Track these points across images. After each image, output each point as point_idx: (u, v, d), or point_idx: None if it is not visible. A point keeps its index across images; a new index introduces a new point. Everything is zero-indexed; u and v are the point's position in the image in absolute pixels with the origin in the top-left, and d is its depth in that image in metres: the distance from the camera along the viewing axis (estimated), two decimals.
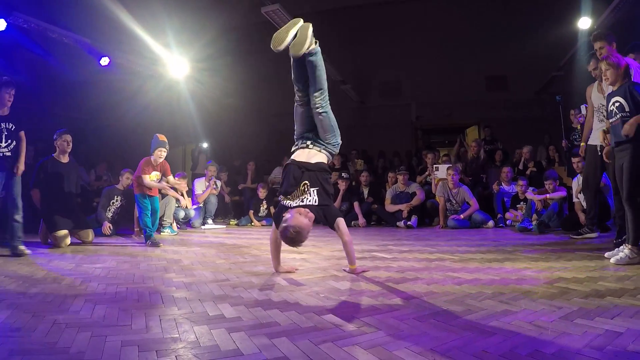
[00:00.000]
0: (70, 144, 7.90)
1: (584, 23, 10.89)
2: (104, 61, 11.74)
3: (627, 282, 3.84)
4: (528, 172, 11.33)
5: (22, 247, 6.34)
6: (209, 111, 15.54)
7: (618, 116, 4.91)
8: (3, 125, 6.35)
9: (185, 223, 10.87)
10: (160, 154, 7.88)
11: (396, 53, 15.23)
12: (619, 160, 5.04)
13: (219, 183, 11.86)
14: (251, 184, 13.01)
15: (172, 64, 12.69)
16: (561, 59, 13.43)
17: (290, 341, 2.53)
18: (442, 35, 13.91)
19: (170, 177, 8.26)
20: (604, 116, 6.31)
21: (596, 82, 6.66)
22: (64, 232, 7.53)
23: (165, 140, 7.98)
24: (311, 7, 10.85)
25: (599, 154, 6.43)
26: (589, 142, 6.76)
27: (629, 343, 2.35)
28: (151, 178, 7.79)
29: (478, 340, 2.46)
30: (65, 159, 7.92)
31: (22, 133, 6.53)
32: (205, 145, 15.72)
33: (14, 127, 6.43)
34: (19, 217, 6.43)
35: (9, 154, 6.38)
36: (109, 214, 9.30)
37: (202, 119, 15.31)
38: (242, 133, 16.91)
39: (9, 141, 6.39)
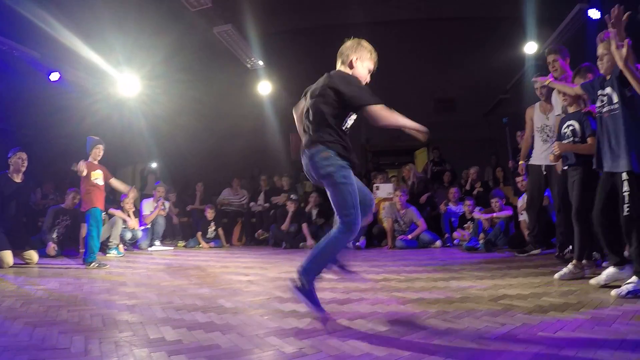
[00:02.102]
0: (26, 162, 7.74)
1: (530, 48, 11.19)
2: (54, 76, 11.52)
3: (570, 297, 3.92)
4: (475, 192, 11.50)
5: None
6: (160, 130, 15.36)
7: (570, 139, 5.12)
8: None
9: (132, 244, 10.66)
10: (99, 152, 7.84)
11: None
12: (570, 178, 5.24)
13: (167, 204, 11.69)
14: (200, 205, 12.87)
15: (123, 82, 12.52)
16: (508, 82, 13.71)
17: None
18: (389, 57, 14.00)
19: (113, 180, 8.11)
20: (548, 136, 6.59)
21: (538, 103, 6.90)
22: (7, 252, 7.31)
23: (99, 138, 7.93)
24: (261, 30, 10.86)
25: (543, 173, 6.72)
26: (532, 162, 7.02)
27: (571, 356, 2.40)
28: (95, 176, 7.64)
29: (419, 359, 2.45)
30: (18, 178, 7.74)
31: None
32: (154, 165, 15.52)
33: None
34: None
35: None
36: (54, 234, 9.06)
37: (152, 138, 15.10)
38: (194, 153, 16.71)
39: None
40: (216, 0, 9.34)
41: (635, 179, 3.98)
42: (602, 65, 4.28)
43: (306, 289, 3.51)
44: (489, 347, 2.63)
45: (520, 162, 7.50)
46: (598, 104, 4.40)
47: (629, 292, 3.85)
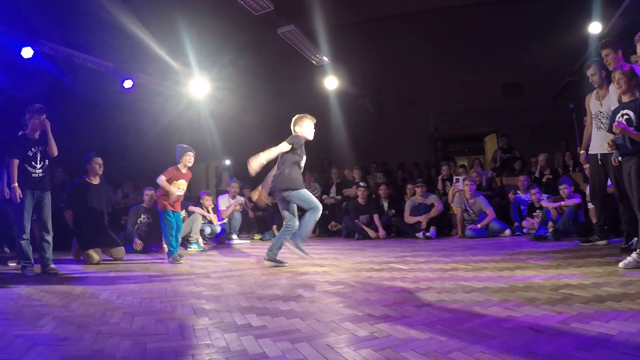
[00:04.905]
0: (102, 167, 8.24)
1: (595, 28, 10.96)
2: (128, 84, 12.14)
3: (630, 287, 3.95)
4: (544, 179, 11.40)
5: (53, 266, 6.74)
6: (229, 128, 15.81)
7: None
8: (36, 148, 6.75)
9: (211, 239, 11.10)
10: (189, 159, 8.08)
11: (411, 63, 15.30)
12: (625, 169, 5.26)
13: (242, 199, 12.10)
14: (274, 200, 13.14)
15: (193, 84, 13.04)
16: (575, 63, 13.46)
17: (310, 345, 2.78)
18: (455, 44, 13.96)
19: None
20: (602, 123, 6.53)
21: (594, 90, 6.86)
22: (96, 249, 7.87)
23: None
24: (325, 24, 11.06)
25: (599, 162, 6.67)
26: (590, 152, 6.92)
27: (618, 345, 2.53)
28: (178, 185, 7.91)
29: (479, 343, 2.67)
30: (96, 181, 8.25)
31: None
32: (227, 162, 15.94)
33: (44, 149, 6.83)
34: (49, 238, 6.82)
35: (42, 174, 6.80)
36: (136, 231, 9.62)
37: (222, 137, 15.56)
38: (265, 149, 17.05)
39: (42, 163, 6.80)
40: (278, 2, 9.62)
41: None
42: None
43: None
44: (543, 333, 2.79)
45: (581, 152, 7.33)
46: None
47: None
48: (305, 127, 6.87)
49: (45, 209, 6.83)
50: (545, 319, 3.13)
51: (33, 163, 6.70)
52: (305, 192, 6.78)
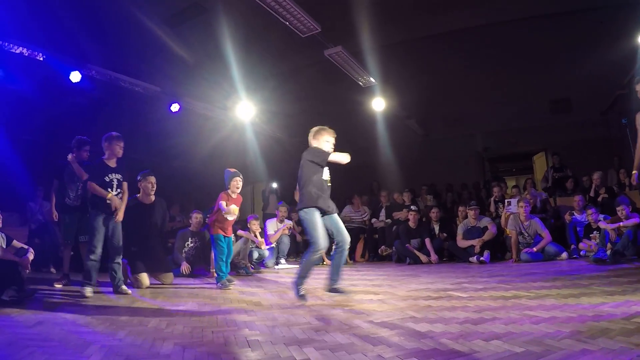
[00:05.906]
0: (155, 186, 8.29)
1: None
2: (175, 107, 12.30)
3: None
4: (600, 198, 11.10)
5: (124, 287, 7.03)
6: (274, 151, 15.85)
7: None
8: (113, 176, 7.08)
9: (259, 263, 11.02)
10: (237, 184, 8.05)
11: (457, 82, 15.11)
12: None
13: (290, 223, 12.05)
14: None
15: (240, 107, 13.12)
16: (624, 76, 13.08)
17: None
18: (501, 61, 13.74)
19: None
20: None
21: None
22: (145, 274, 7.93)
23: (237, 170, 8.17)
24: (371, 45, 11.02)
25: None
26: None
27: None
28: (230, 210, 7.83)
29: None
30: (148, 200, 8.33)
31: (126, 184, 7.25)
32: (274, 185, 15.97)
33: (121, 178, 7.17)
34: (119, 259, 7.18)
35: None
36: (183, 255, 9.63)
37: (267, 159, 15.63)
38: None
39: (118, 191, 7.10)
40: (325, 24, 9.62)
41: None
42: None
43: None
44: None
45: (633, 172, 7.12)
46: None
47: None
48: (322, 142, 6.15)
49: (116, 233, 7.11)
50: (623, 352, 2.97)
51: (109, 189, 6.99)
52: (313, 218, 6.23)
